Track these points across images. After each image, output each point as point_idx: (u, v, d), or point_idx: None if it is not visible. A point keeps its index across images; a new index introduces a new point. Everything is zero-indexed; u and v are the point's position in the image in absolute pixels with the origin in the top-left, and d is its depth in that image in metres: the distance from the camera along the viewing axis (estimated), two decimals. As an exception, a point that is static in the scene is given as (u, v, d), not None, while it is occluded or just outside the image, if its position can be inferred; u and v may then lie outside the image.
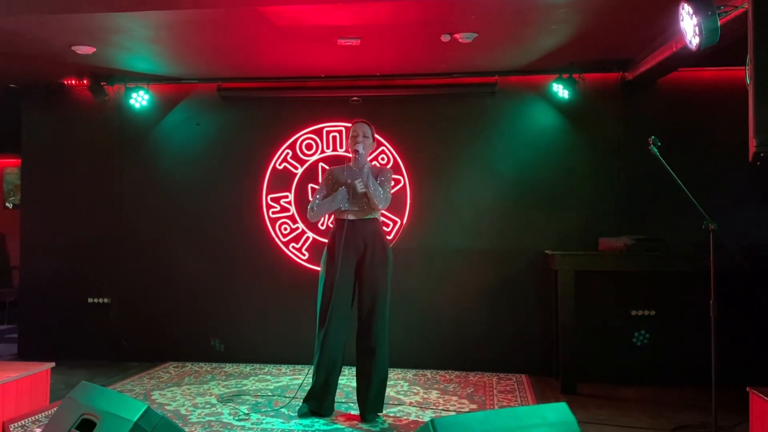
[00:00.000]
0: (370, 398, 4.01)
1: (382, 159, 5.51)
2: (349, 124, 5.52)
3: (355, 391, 4.15)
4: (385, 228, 5.43)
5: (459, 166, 5.48)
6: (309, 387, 4.11)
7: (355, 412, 4.11)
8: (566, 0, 3.77)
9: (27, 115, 6.00)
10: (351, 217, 4.02)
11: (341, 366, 4.10)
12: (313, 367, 4.05)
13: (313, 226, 5.57)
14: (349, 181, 4.04)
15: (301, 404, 4.10)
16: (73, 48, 4.71)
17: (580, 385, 4.77)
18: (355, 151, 4.03)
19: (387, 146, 5.50)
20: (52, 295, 5.87)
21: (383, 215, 5.46)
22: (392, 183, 4.17)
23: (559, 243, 5.23)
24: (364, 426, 3.88)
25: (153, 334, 5.75)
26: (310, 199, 5.50)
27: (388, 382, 4.89)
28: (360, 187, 3.98)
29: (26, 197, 6.02)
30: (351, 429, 3.82)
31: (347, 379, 4.84)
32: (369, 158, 4.24)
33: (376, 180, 4.04)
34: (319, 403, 4.04)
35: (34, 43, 4.61)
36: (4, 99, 6.05)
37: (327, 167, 5.48)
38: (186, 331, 5.71)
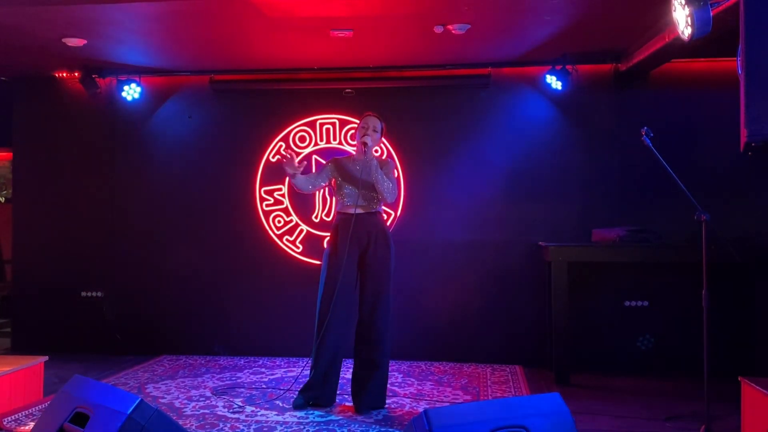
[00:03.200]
0: (372, 392, 4.00)
1: (376, 151, 5.49)
2: (343, 116, 5.55)
3: (349, 383, 4.16)
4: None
5: (453, 158, 5.48)
6: (307, 378, 4.11)
7: (350, 403, 4.12)
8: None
9: (18, 108, 5.96)
10: (356, 210, 4.00)
11: (342, 358, 4.10)
12: (312, 358, 4.05)
13: (307, 219, 5.56)
14: (357, 169, 4.02)
15: (297, 396, 4.10)
16: (64, 40, 4.68)
17: (573, 376, 4.79)
18: (364, 144, 3.97)
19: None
20: (45, 289, 5.85)
21: (377, 207, 5.47)
22: (396, 174, 4.14)
23: (552, 234, 5.24)
24: (359, 417, 3.89)
25: (147, 327, 5.73)
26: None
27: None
28: (364, 154, 3.92)
29: (18, 191, 5.99)
30: (346, 420, 3.83)
31: (341, 371, 4.84)
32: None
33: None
34: (318, 393, 4.04)
35: (25, 35, 4.57)
36: (-5, 92, 6.02)
37: (320, 159, 5.49)
38: (180, 324, 5.70)
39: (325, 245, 4.15)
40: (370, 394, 4.01)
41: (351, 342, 4.11)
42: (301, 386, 4.12)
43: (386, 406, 4.11)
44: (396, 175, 4.28)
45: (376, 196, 4.02)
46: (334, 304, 3.95)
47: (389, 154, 5.47)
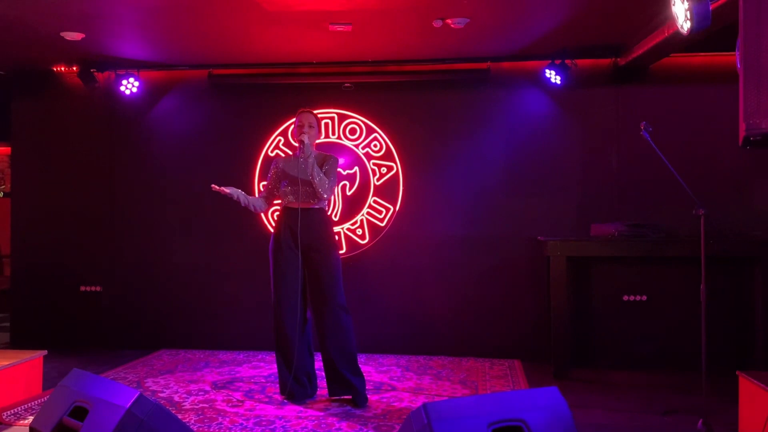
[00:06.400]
0: (339, 379, 4.03)
1: (375, 146, 5.50)
2: (342, 111, 5.55)
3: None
4: (378, 215, 5.48)
5: (451, 153, 5.47)
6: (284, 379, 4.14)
7: (348, 396, 4.13)
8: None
9: (16, 102, 5.95)
10: (295, 206, 4.04)
11: (306, 350, 4.12)
12: (275, 357, 4.14)
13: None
14: (297, 166, 4.05)
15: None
16: (62, 34, 4.67)
17: (572, 370, 4.80)
18: (301, 142, 4.02)
19: (379, 133, 5.49)
20: (43, 283, 5.85)
21: (376, 202, 5.48)
22: (337, 171, 4.20)
23: (551, 229, 5.24)
24: (357, 411, 3.89)
25: (146, 321, 5.74)
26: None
27: (380, 368, 4.92)
28: (307, 149, 3.97)
29: (16, 185, 5.98)
30: (345, 414, 3.84)
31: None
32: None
33: (322, 168, 4.05)
34: (291, 390, 4.06)
35: (23, 29, 4.56)
36: (-7, 86, 6.01)
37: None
38: (179, 318, 5.71)
39: (270, 242, 4.16)
40: (339, 382, 4.04)
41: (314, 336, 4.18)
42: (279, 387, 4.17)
43: (385, 400, 4.12)
44: (351, 171, 4.26)
45: (315, 192, 4.04)
46: (281, 298, 4.03)
47: (387, 148, 5.46)
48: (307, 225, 4.03)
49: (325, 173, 4.04)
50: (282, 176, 4.15)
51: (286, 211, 4.12)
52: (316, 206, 4.10)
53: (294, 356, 4.03)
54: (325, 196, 4.05)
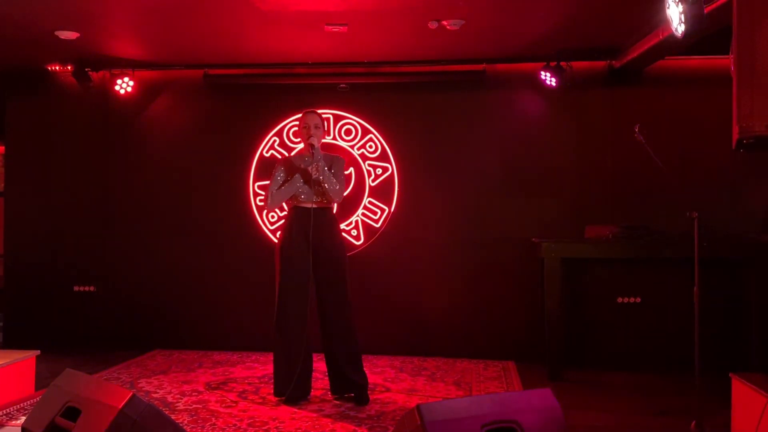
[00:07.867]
0: (343, 378, 4.05)
1: (370, 147, 5.50)
2: (337, 111, 5.55)
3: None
4: (373, 216, 5.48)
5: (446, 154, 5.48)
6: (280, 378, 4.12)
7: (342, 398, 4.13)
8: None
9: (10, 101, 5.93)
10: (308, 205, 4.04)
11: (307, 352, 4.09)
12: (273, 356, 4.11)
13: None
14: (308, 168, 4.04)
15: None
16: (57, 33, 4.66)
17: (566, 372, 4.81)
18: (311, 146, 4.01)
19: (375, 134, 5.49)
20: (37, 283, 5.83)
21: (371, 203, 5.48)
22: (345, 172, 4.20)
23: (545, 231, 5.25)
24: (352, 413, 3.89)
25: (140, 322, 5.72)
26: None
27: (374, 369, 4.92)
28: (314, 174, 3.98)
29: (10, 184, 5.96)
30: (339, 415, 3.83)
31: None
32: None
33: (330, 170, 4.04)
34: (289, 390, 4.04)
35: (17, 27, 4.55)
36: (-13, 85, 5.99)
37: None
38: (173, 319, 5.69)
39: (278, 241, 4.14)
40: (346, 385, 4.06)
41: (316, 336, 4.16)
42: (273, 388, 4.14)
43: (379, 401, 4.12)
44: (347, 172, 4.26)
45: (326, 193, 4.04)
46: (288, 298, 4.02)
47: (383, 149, 5.47)
48: (318, 225, 4.03)
49: (333, 176, 4.04)
50: (291, 175, 4.10)
51: (296, 211, 4.09)
52: (327, 206, 4.11)
53: (296, 357, 4.01)
54: (336, 200, 4.09)
